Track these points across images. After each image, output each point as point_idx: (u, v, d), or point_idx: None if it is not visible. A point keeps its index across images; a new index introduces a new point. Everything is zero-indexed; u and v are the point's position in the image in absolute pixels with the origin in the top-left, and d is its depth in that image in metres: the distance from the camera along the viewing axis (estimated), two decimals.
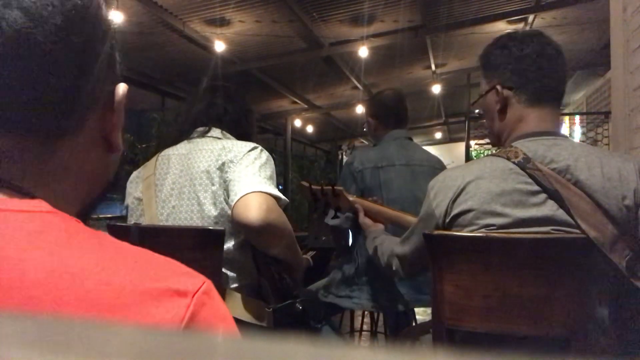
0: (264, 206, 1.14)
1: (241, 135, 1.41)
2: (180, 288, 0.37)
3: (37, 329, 0.19)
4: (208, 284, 0.39)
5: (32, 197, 0.41)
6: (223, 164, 1.25)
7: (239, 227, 1.20)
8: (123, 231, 1.24)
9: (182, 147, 1.36)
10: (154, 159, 1.38)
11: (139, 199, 1.34)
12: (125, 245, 0.41)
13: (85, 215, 0.49)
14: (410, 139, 2.07)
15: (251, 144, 1.31)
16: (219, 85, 1.51)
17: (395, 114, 2.04)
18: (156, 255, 0.41)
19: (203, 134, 1.38)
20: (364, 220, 1.53)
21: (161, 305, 0.36)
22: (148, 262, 0.40)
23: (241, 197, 1.16)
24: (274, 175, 1.28)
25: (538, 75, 1.08)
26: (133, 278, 0.36)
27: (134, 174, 1.43)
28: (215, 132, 1.39)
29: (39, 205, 0.40)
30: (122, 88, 0.50)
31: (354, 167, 1.92)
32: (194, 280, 0.39)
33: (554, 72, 1.09)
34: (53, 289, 0.34)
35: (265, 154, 1.30)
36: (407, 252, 1.19)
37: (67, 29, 0.42)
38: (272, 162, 1.31)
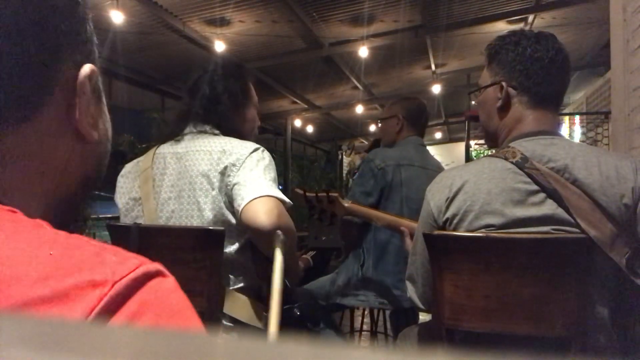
0: (275, 211, 1.15)
1: (230, 129, 1.36)
2: (97, 278, 0.32)
3: (37, 329, 0.19)
4: (146, 269, 0.33)
5: None
6: (225, 167, 1.23)
7: (250, 231, 1.19)
8: (123, 231, 1.24)
9: (178, 146, 1.32)
10: (150, 154, 1.35)
11: (135, 199, 1.32)
12: (53, 236, 0.36)
13: (66, 211, 0.45)
14: (424, 145, 2.17)
15: (252, 145, 1.29)
16: (202, 76, 1.41)
17: (423, 123, 2.18)
18: (90, 244, 0.35)
19: (195, 131, 1.34)
20: (409, 244, 1.37)
21: (68, 302, 0.31)
22: (69, 254, 0.34)
23: (249, 202, 1.16)
24: (276, 176, 1.27)
25: (546, 80, 1.08)
26: (38, 275, 0.31)
27: (127, 167, 1.39)
28: (205, 127, 1.34)
29: None
30: (85, 70, 0.44)
31: (376, 164, 1.95)
32: (121, 267, 0.33)
33: (561, 79, 1.09)
34: None
35: (267, 155, 1.29)
36: (419, 266, 1.14)
37: (11, 1, 0.38)
38: (273, 162, 1.30)
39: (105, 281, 0.32)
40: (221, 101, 1.36)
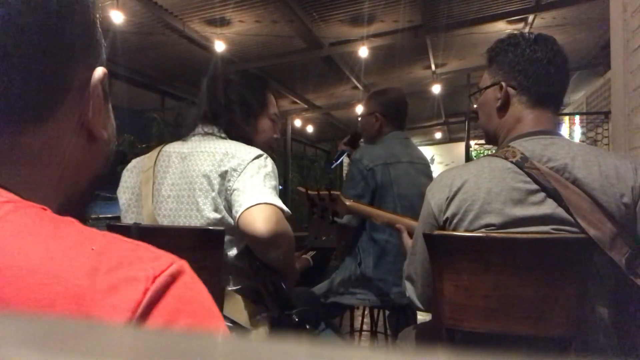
0: (273, 218, 1.14)
1: (238, 135, 1.37)
2: (139, 274, 0.33)
3: (37, 329, 0.19)
4: (178, 266, 0.35)
5: None
6: (226, 172, 1.22)
7: (247, 238, 1.19)
8: (123, 231, 1.24)
9: (184, 146, 1.32)
10: (155, 152, 1.35)
11: (138, 195, 1.32)
12: (90, 232, 0.37)
13: (75, 209, 0.45)
14: (408, 138, 2.12)
15: (256, 151, 1.27)
16: (217, 79, 1.43)
17: (403, 115, 2.09)
18: (123, 241, 0.37)
19: (203, 133, 1.35)
20: (407, 241, 1.39)
21: (116, 295, 0.32)
22: (108, 250, 0.35)
23: (247, 209, 1.15)
24: (277, 185, 1.26)
25: (544, 80, 1.08)
26: (86, 269, 0.33)
27: (132, 162, 1.39)
28: (214, 129, 1.35)
29: None
30: (98, 72, 0.46)
31: (364, 164, 1.91)
32: (157, 263, 0.35)
33: (560, 79, 1.10)
34: None
35: (270, 162, 1.27)
36: (418, 266, 1.15)
37: (32, 6, 0.39)
38: (276, 170, 1.29)
39: (146, 276, 0.33)
40: (232, 108, 1.37)
